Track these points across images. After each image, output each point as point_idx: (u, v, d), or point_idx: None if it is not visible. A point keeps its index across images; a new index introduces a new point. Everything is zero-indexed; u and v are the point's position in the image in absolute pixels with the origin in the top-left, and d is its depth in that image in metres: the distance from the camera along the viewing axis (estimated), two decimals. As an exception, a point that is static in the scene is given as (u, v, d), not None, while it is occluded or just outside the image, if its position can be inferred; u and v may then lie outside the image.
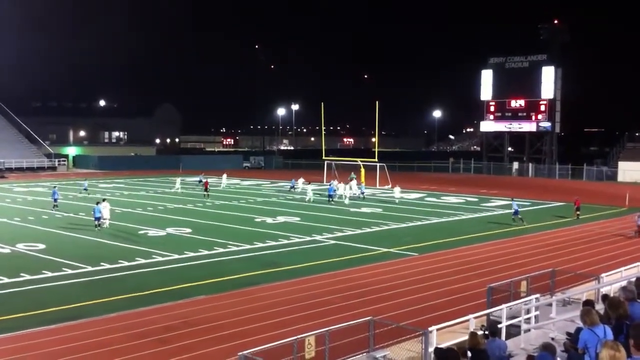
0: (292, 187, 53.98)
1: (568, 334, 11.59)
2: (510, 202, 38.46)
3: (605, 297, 11.96)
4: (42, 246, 27.33)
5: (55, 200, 39.20)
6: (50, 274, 22.17)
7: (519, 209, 36.69)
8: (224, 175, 59.42)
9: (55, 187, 42.18)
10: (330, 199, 45.70)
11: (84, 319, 17.22)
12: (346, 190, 47.31)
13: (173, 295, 19.77)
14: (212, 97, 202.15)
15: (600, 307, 12.06)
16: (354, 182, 51.01)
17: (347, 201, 45.04)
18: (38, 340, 15.51)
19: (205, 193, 48.04)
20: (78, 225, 33.46)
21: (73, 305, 18.50)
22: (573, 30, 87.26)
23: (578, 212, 38.98)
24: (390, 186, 57.73)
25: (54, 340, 15.54)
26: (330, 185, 48.57)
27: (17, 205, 42.46)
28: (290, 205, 43.50)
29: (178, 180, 55.63)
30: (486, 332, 10.69)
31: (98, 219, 31.98)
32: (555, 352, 9.15)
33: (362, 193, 49.09)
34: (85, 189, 49.90)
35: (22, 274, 21.98)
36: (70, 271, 22.75)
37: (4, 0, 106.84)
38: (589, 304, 11.29)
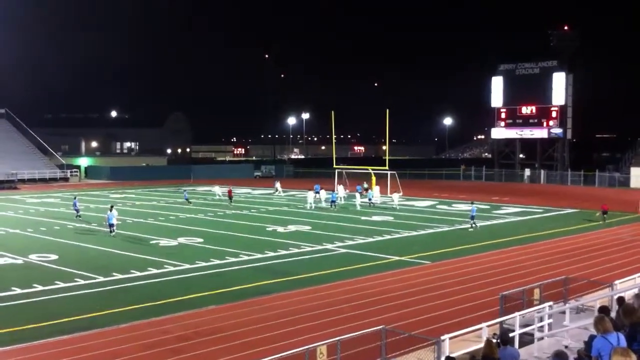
0: (317, 192, 54.20)
1: (585, 342, 11.51)
2: (471, 207, 37.92)
3: (621, 302, 11.86)
4: (54, 257, 27.44)
5: (77, 210, 40.05)
6: (62, 285, 22.24)
7: (474, 214, 36.83)
8: (216, 187, 58.76)
9: (75, 197, 42.44)
10: (333, 205, 47.30)
11: (96, 329, 17.26)
12: (357, 197, 48.90)
13: (185, 305, 19.79)
14: (223, 106, 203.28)
15: (615, 313, 11.98)
16: (376, 189, 53.34)
17: (358, 207, 45.67)
18: (50, 351, 15.55)
19: (230, 202, 49.10)
20: (91, 236, 33.58)
21: (85, 316, 18.55)
22: (584, 36, 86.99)
23: (605, 216, 39.38)
24: (399, 193, 57.69)
25: (67, 350, 15.58)
26: (334, 192, 49.86)
27: (29, 216, 42.68)
28: (301, 214, 43.49)
29: (217, 188, 57.38)
30: (498, 341, 10.62)
31: (112, 225, 32.62)
32: (567, 359, 9.07)
33: (370, 200, 49.36)
34: (186, 199, 50.98)
35: (34, 285, 22.07)
36: (82, 282, 22.82)
37: (15, 11, 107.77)
38: (604, 310, 11.20)
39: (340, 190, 51.86)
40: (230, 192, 51.02)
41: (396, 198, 48.39)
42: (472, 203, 39.64)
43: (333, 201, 47.75)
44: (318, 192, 52.73)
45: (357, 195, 48.25)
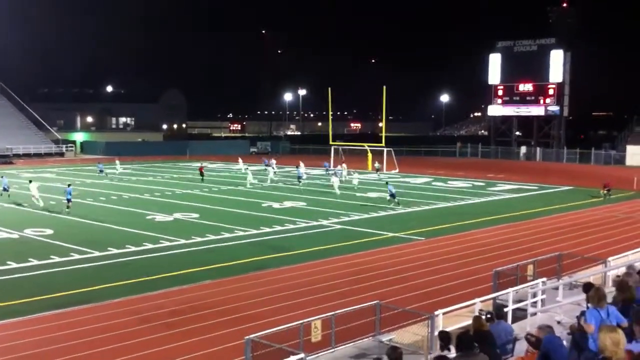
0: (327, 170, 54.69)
1: (577, 317, 11.59)
2: (387, 187, 37.25)
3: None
4: (50, 231, 27.46)
5: (69, 200, 33.64)
6: (58, 259, 22.28)
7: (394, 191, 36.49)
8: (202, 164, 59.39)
9: (69, 185, 35.24)
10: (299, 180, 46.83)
11: (91, 303, 17.33)
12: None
13: (180, 279, 19.85)
14: (219, 82, 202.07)
15: (608, 289, 12.06)
16: (344, 166, 52.94)
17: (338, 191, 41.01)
18: (46, 325, 15.61)
19: (202, 180, 48.70)
20: (86, 211, 33.58)
21: (81, 290, 18.61)
22: (581, 14, 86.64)
23: (609, 193, 40.02)
24: (397, 170, 57.77)
25: (62, 324, 15.64)
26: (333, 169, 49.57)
27: (24, 191, 42.57)
28: (297, 190, 43.49)
29: (240, 162, 58.99)
30: (488, 316, 10.68)
31: (69, 200, 33.06)
32: (553, 332, 9.15)
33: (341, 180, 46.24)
34: (101, 171, 52.50)
35: (30, 259, 22.10)
36: (78, 256, 22.86)
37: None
38: (588, 287, 11.25)
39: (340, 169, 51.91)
40: (201, 169, 50.95)
41: (355, 177, 47.17)
42: (387, 183, 38.87)
43: (299, 177, 47.17)
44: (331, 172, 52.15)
45: (334, 179, 42.91)
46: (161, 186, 45.69)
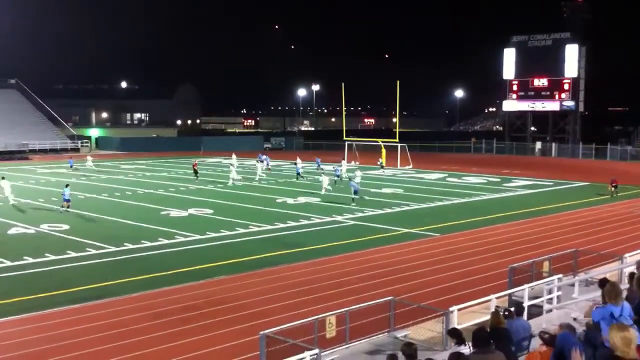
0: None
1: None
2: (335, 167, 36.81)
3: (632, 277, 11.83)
4: (65, 227, 27.64)
5: (67, 200, 32.04)
6: (74, 254, 22.43)
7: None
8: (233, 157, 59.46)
9: (67, 185, 33.43)
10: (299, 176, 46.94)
11: (107, 298, 17.44)
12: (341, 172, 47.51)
13: (195, 275, 19.92)
14: (233, 78, 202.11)
15: (624, 286, 11.96)
16: (344, 163, 52.50)
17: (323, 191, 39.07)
18: (62, 320, 15.73)
19: (196, 177, 46.48)
20: (102, 206, 33.76)
21: (96, 285, 18.72)
22: (596, 7, 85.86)
23: (616, 190, 39.10)
24: (410, 166, 57.63)
25: (78, 319, 15.75)
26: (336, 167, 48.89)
27: (40, 186, 42.94)
28: (311, 186, 43.48)
29: (233, 157, 58.14)
30: (506, 313, 10.63)
31: (68, 200, 31.83)
32: (575, 331, 9.08)
33: (337, 176, 45.73)
34: (71, 166, 53.51)
35: (46, 254, 22.27)
36: (94, 251, 23.00)
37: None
38: (603, 282, 11.16)
39: (343, 165, 51.14)
40: (195, 165, 48.56)
41: (344, 167, 47.41)
42: (349, 179, 39.34)
43: (298, 173, 47.17)
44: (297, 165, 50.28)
45: (324, 178, 40.22)
46: (175, 182, 45.83)
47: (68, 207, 31.77)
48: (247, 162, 60.80)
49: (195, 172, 47.29)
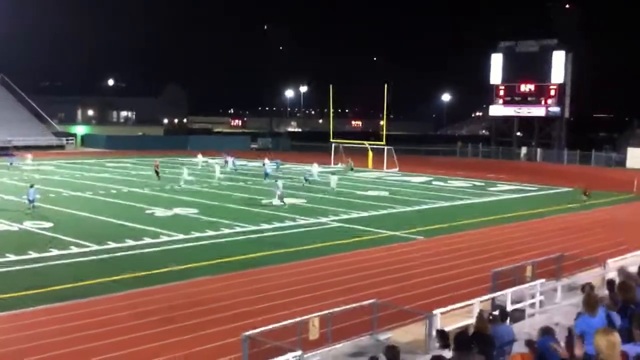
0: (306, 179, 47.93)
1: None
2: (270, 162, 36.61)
3: (610, 284, 11.93)
4: (49, 224, 27.45)
5: (31, 201, 30.94)
6: (57, 252, 22.28)
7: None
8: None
9: (32, 186, 32.55)
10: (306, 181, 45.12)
11: (90, 297, 17.33)
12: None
13: (179, 275, 19.85)
14: (220, 78, 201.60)
15: (603, 292, 12.06)
16: (315, 165, 48.61)
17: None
18: (44, 318, 15.62)
19: (157, 178, 44.88)
20: (85, 204, 33.57)
21: (79, 284, 18.61)
22: (583, 14, 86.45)
23: (585, 197, 38.91)
24: (397, 169, 57.74)
25: (60, 318, 15.65)
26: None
27: (24, 183, 42.55)
28: (297, 187, 43.45)
29: (199, 156, 57.49)
30: (491, 318, 10.67)
31: (31, 201, 30.88)
32: (554, 335, 9.15)
33: (306, 179, 45.29)
34: (11, 164, 52.64)
35: (29, 252, 22.11)
36: (77, 249, 22.86)
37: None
38: (586, 287, 11.26)
39: (314, 168, 48.24)
40: (156, 166, 46.49)
41: (315, 170, 47.33)
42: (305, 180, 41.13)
43: (266, 173, 46.81)
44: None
45: (279, 184, 36.32)
46: (161, 180, 45.56)
47: (32, 207, 30.70)
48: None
49: (157, 173, 45.77)
